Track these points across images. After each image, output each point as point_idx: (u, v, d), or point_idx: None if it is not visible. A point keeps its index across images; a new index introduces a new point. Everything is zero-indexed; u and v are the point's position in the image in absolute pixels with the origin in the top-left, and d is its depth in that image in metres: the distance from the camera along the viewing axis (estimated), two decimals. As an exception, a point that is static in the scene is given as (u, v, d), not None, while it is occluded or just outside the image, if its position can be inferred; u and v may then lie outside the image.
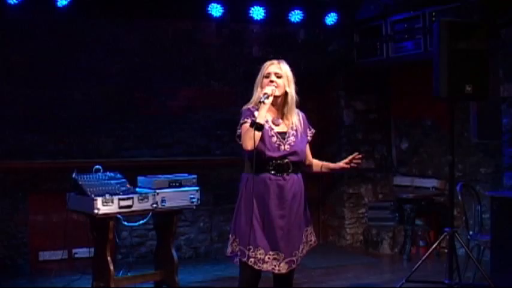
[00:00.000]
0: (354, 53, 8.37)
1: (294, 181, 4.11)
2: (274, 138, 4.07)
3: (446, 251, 6.40)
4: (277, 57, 4.28)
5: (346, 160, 4.25)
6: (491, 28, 6.08)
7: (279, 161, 4.06)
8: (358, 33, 8.30)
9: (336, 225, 8.68)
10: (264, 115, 3.98)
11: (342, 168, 4.28)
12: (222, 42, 7.95)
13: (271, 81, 4.08)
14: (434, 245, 5.92)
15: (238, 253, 4.08)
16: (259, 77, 4.16)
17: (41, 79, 7.04)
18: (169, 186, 5.80)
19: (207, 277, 6.82)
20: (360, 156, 4.22)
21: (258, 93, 4.12)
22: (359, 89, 8.59)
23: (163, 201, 5.70)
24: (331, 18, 7.94)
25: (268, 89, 4.03)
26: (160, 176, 5.92)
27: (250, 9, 7.49)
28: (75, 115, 7.21)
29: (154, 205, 5.65)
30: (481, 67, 5.51)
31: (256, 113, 4.00)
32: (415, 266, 5.70)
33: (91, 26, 7.27)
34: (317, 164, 4.35)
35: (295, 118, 4.18)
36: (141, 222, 6.00)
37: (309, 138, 4.27)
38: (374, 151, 8.72)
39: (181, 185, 5.87)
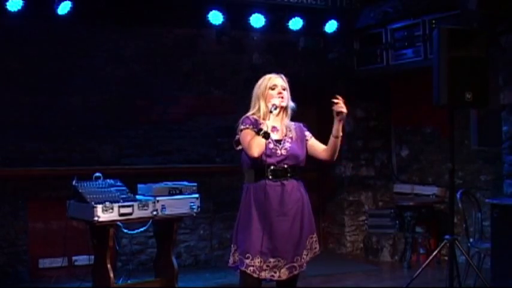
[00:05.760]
0: (354, 61, 8.37)
1: (293, 186, 4.12)
2: (271, 145, 4.10)
3: (446, 258, 6.40)
4: (277, 68, 4.35)
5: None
6: (490, 36, 6.09)
7: (276, 166, 4.09)
8: (358, 40, 8.31)
9: (336, 232, 8.67)
10: (270, 125, 4.06)
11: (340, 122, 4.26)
12: (222, 50, 7.97)
13: (279, 93, 4.16)
14: (434, 253, 5.92)
15: (238, 262, 4.08)
16: (261, 89, 4.20)
17: (41, 86, 7.05)
18: (170, 194, 5.80)
19: (207, 285, 6.81)
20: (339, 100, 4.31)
21: (259, 105, 4.17)
22: (359, 97, 8.59)
23: (163, 208, 5.70)
24: (331, 26, 7.92)
25: (277, 101, 4.13)
26: (160, 183, 5.92)
27: (250, 17, 7.46)
28: (76, 122, 7.22)
29: (155, 212, 5.65)
30: (480, 74, 5.52)
31: (261, 122, 4.07)
32: (416, 274, 5.70)
33: (91, 33, 7.29)
34: (328, 145, 4.22)
35: (292, 127, 4.25)
36: (141, 229, 6.00)
37: (307, 138, 4.27)
38: (374, 158, 8.72)
39: (181, 193, 5.87)
